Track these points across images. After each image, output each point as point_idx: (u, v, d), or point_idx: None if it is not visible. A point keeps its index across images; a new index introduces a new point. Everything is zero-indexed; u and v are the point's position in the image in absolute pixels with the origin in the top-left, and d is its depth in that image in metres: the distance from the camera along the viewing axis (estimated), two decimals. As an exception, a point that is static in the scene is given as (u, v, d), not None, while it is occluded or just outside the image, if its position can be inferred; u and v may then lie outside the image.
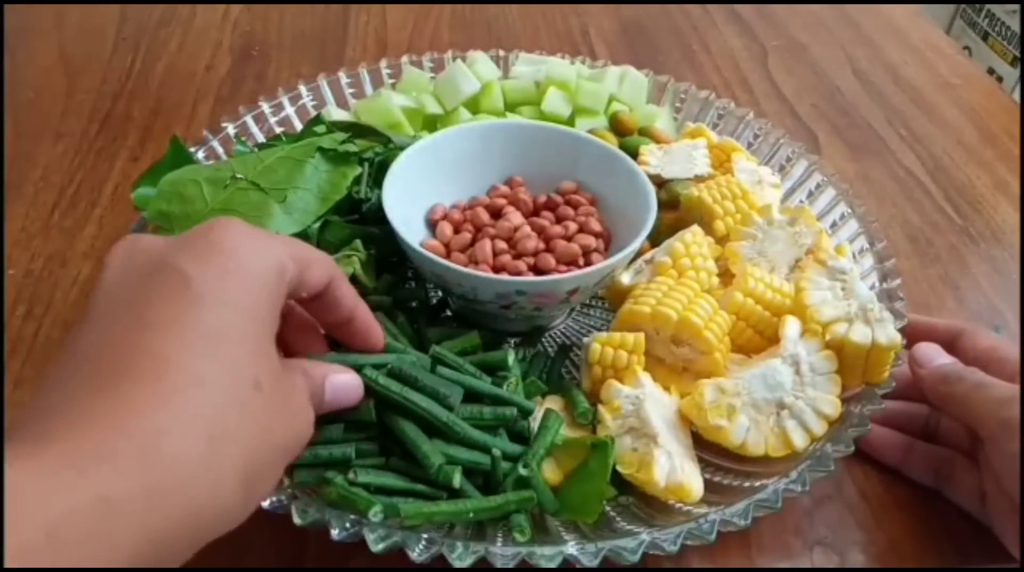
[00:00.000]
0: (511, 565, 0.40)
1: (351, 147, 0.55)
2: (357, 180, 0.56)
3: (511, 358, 0.50)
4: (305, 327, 0.41)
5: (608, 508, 0.46)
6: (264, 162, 0.55)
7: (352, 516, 0.41)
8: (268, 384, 0.31)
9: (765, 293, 0.52)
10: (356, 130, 0.62)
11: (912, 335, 0.52)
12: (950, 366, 0.49)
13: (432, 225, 0.58)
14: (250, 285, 0.32)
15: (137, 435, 0.25)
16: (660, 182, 0.61)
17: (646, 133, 0.69)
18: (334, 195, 0.54)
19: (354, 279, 0.51)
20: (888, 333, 0.49)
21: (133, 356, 0.27)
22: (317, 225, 0.54)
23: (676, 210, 0.61)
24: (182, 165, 0.58)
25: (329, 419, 0.45)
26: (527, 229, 0.55)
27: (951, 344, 0.52)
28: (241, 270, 0.31)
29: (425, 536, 0.41)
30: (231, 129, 0.66)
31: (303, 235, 0.53)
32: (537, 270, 0.54)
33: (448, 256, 0.54)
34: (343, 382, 0.40)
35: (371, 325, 0.43)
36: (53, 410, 0.26)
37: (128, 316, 0.29)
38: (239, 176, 0.53)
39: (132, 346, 0.28)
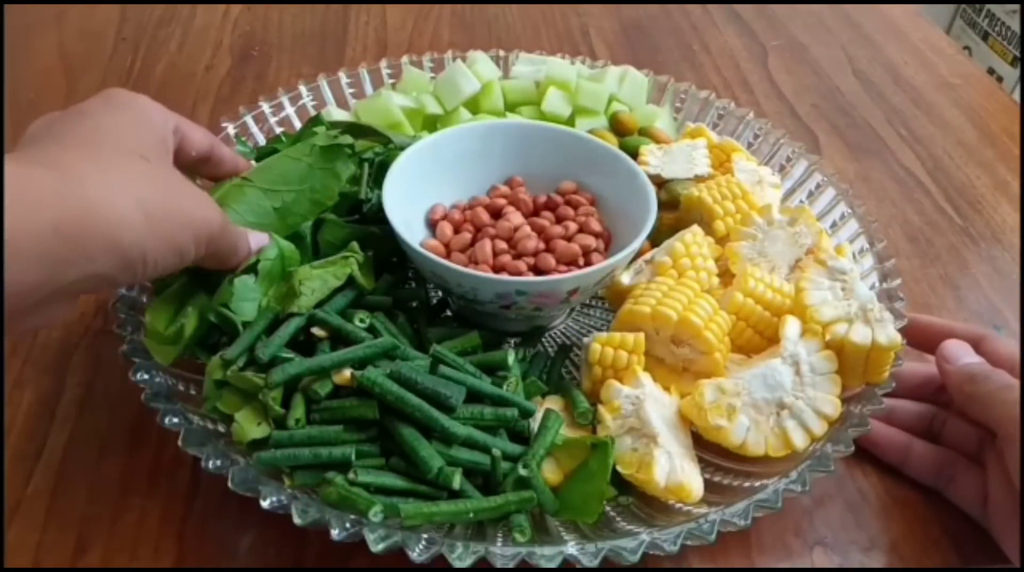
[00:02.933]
0: (511, 565, 0.40)
1: (346, 139, 0.55)
2: (357, 180, 0.56)
3: (511, 358, 0.50)
4: None
5: (608, 508, 0.46)
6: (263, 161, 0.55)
7: (352, 516, 0.41)
8: (157, 162, 0.44)
9: (765, 293, 0.52)
10: (356, 130, 0.62)
11: (932, 337, 0.53)
12: (977, 366, 0.49)
13: (432, 225, 0.58)
14: (149, 128, 0.45)
15: (67, 170, 0.38)
16: (660, 182, 0.61)
17: (646, 133, 0.69)
18: (327, 201, 0.54)
19: (352, 281, 0.51)
20: (888, 333, 0.49)
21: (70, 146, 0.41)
22: (309, 224, 0.54)
23: (676, 210, 0.61)
24: None
25: (329, 420, 0.45)
26: (527, 229, 0.55)
27: (973, 348, 0.52)
28: (142, 116, 0.45)
29: (425, 536, 0.41)
30: (231, 129, 0.66)
31: (300, 234, 0.53)
32: (537, 270, 0.54)
33: (448, 256, 0.55)
34: (259, 235, 0.50)
35: (233, 156, 0.54)
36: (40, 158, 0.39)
37: (57, 139, 0.41)
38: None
39: (69, 142, 0.41)
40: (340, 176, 0.54)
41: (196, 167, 0.50)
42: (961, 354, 0.50)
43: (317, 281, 0.50)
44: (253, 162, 0.56)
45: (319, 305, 0.50)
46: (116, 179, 0.39)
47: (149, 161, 0.42)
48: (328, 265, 0.51)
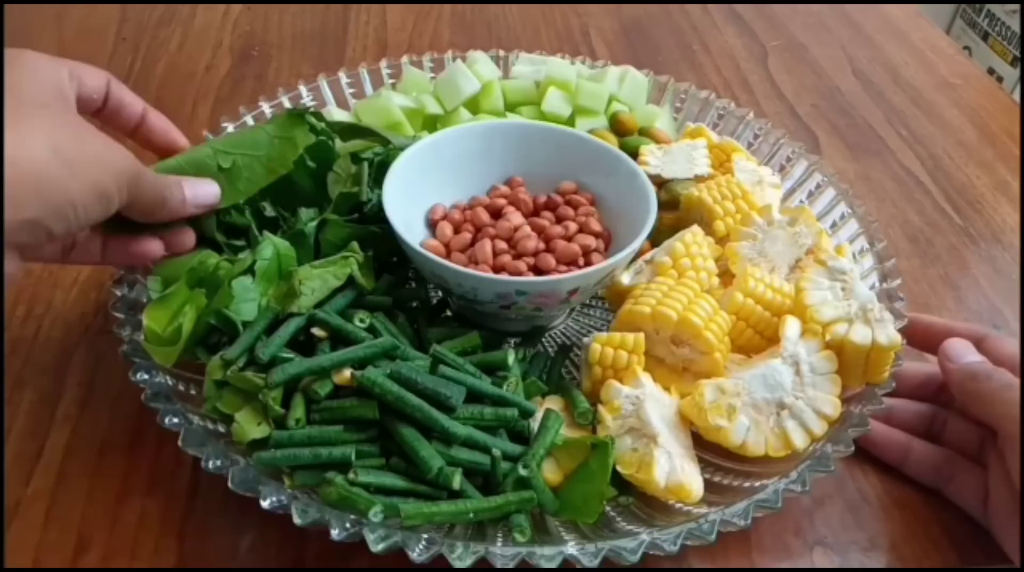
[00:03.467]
0: (511, 565, 0.40)
1: (305, 111, 0.55)
2: (357, 180, 0.56)
3: (511, 358, 0.50)
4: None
5: (608, 508, 0.46)
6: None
7: (352, 516, 0.41)
8: (60, 108, 0.44)
9: (765, 293, 0.52)
10: (356, 131, 0.62)
11: (933, 336, 0.53)
12: (979, 364, 0.49)
13: (432, 225, 0.58)
14: (42, 78, 0.44)
15: None
16: (660, 182, 0.61)
17: (646, 133, 0.69)
18: (281, 168, 0.54)
19: (352, 281, 0.51)
20: (888, 333, 0.49)
21: None
22: (314, 224, 0.54)
23: (676, 210, 0.61)
24: None
25: (329, 420, 0.45)
26: (527, 229, 0.55)
27: (975, 347, 0.52)
28: (32, 69, 0.44)
29: (425, 536, 0.41)
30: (231, 129, 0.66)
31: (301, 234, 0.53)
32: (537, 270, 0.54)
33: (448, 256, 0.55)
34: (199, 181, 0.51)
35: (166, 123, 0.53)
36: None
37: None
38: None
39: None
40: (298, 145, 0.54)
41: (132, 136, 0.51)
42: (964, 352, 0.50)
43: (317, 281, 0.50)
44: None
45: (319, 305, 0.50)
46: (27, 129, 0.40)
47: (50, 107, 0.43)
48: (328, 265, 0.51)
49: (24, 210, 0.39)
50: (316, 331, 0.48)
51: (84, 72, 0.47)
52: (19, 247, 0.40)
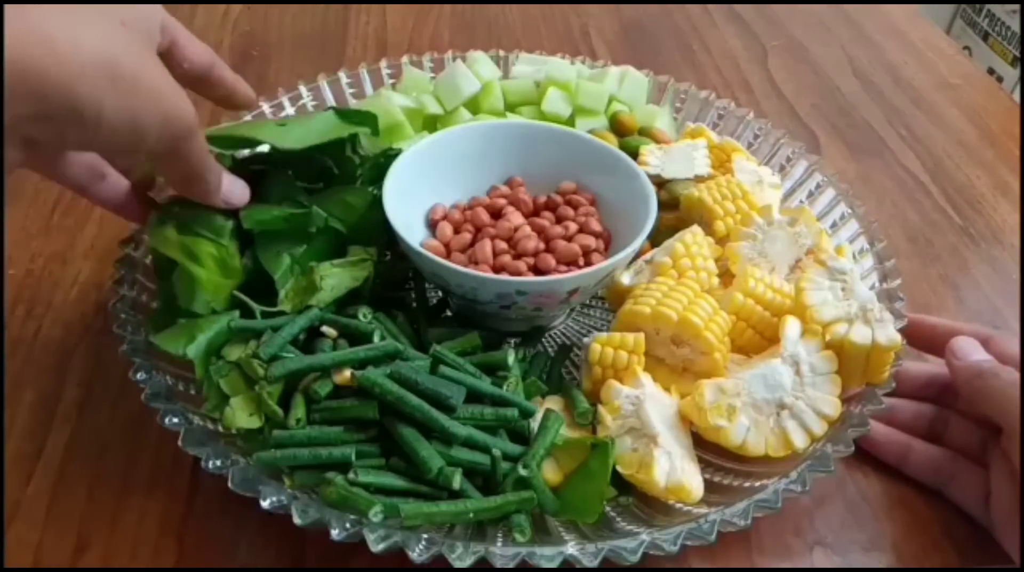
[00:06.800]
0: (511, 565, 0.40)
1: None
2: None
3: (511, 358, 0.50)
4: None
5: (608, 508, 0.46)
6: None
7: (352, 516, 0.41)
8: (137, 35, 0.40)
9: (765, 293, 0.52)
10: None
11: (937, 337, 0.53)
12: (987, 362, 0.50)
13: (432, 225, 0.58)
14: (135, 10, 0.41)
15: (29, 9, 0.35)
16: (660, 182, 0.61)
17: (646, 133, 0.69)
18: (347, 229, 0.53)
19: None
20: (888, 333, 0.49)
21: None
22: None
23: (676, 210, 0.61)
24: None
25: (329, 420, 0.45)
26: (527, 229, 0.55)
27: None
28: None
29: (425, 536, 0.41)
30: (231, 129, 0.66)
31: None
32: (537, 270, 0.54)
33: (448, 256, 0.55)
34: (236, 180, 0.49)
35: (235, 77, 0.49)
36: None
37: None
38: None
39: None
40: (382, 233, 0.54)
41: (193, 86, 0.47)
42: (971, 350, 0.50)
43: (336, 278, 0.50)
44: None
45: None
46: (85, 31, 0.36)
47: (126, 27, 0.39)
48: (347, 266, 0.51)
49: (45, 104, 0.35)
50: (326, 329, 0.48)
51: (186, 39, 0.45)
52: (28, 141, 0.37)
